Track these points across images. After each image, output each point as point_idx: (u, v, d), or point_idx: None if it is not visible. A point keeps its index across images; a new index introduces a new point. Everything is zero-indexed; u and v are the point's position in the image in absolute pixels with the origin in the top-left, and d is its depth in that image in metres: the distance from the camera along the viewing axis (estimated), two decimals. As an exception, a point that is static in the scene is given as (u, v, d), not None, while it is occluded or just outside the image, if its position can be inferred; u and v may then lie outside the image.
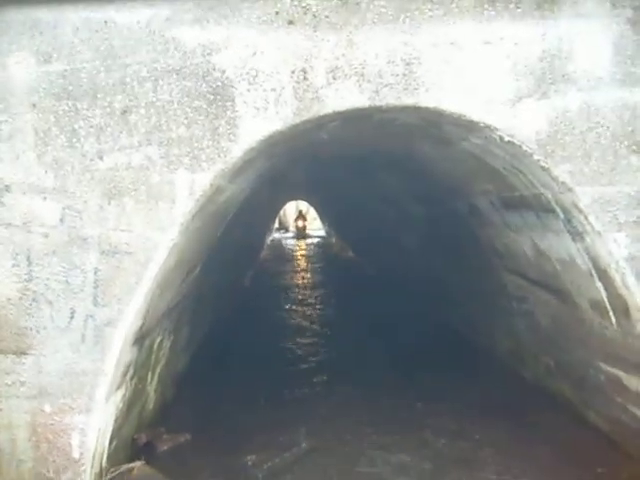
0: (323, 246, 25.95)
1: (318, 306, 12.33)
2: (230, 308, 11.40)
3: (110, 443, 4.52)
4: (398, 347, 8.35)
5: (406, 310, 10.47)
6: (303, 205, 33.08)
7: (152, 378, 5.58)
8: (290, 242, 29.60)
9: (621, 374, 4.87)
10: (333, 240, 25.47)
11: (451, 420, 5.87)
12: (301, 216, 33.00)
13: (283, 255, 22.62)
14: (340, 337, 9.46)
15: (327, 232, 29.27)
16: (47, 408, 4.14)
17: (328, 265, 19.13)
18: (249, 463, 5.10)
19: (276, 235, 32.15)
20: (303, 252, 24.05)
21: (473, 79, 4.16)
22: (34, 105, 4.05)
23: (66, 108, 4.06)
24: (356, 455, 5.24)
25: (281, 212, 32.02)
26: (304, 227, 32.79)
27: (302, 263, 20.26)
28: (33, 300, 4.11)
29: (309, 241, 29.45)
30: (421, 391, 6.56)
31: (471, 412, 6.00)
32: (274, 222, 30.27)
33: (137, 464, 4.77)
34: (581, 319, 5.15)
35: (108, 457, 4.50)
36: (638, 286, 4.27)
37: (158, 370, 5.73)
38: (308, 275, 17.35)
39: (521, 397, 6.31)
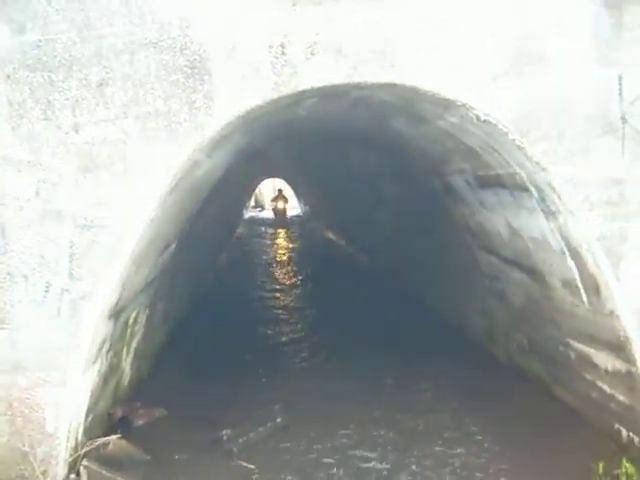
0: (300, 224, 25.22)
1: (293, 282, 12.41)
2: (207, 284, 11.41)
3: (86, 417, 4.54)
4: (372, 325, 8.42)
5: (381, 288, 10.57)
6: (279, 183, 28.78)
7: (128, 353, 5.59)
8: (266, 228, 23.83)
9: (591, 351, 4.97)
10: (309, 219, 24.86)
11: (424, 397, 5.98)
12: (281, 196, 26.54)
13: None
14: (315, 315, 9.53)
15: (303, 211, 28.42)
16: (22, 382, 4.12)
17: (303, 241, 19.13)
18: (224, 437, 5.14)
19: (252, 213, 29.46)
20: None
21: (450, 57, 4.17)
22: (8, 76, 3.98)
23: (41, 80, 4.00)
24: (330, 430, 5.31)
25: (257, 190, 29.55)
26: (284, 210, 26.07)
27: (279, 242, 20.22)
28: (7, 274, 4.07)
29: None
30: (394, 368, 6.64)
31: (443, 389, 6.10)
32: (250, 200, 28.61)
33: (112, 438, 4.80)
34: (552, 297, 5.24)
35: (84, 431, 4.52)
36: (609, 265, 4.35)
37: (134, 345, 5.73)
38: (284, 251, 17.42)
39: (493, 374, 6.41)
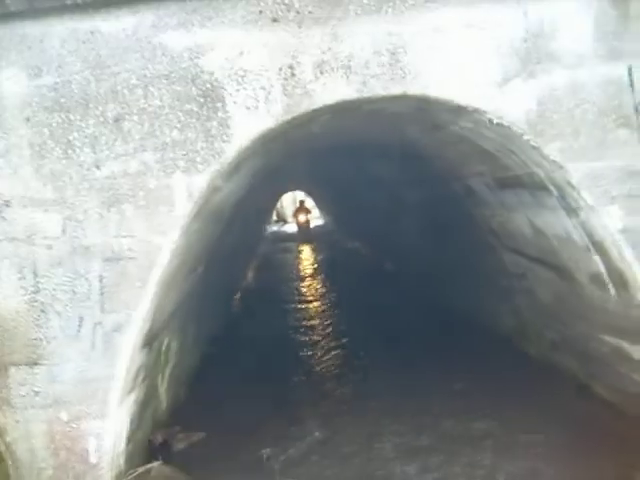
0: (323, 235, 24.38)
1: (320, 294, 12.42)
2: (235, 304, 11.50)
3: (127, 445, 4.60)
4: (402, 330, 8.41)
5: (410, 293, 10.56)
6: (300, 195, 28.19)
7: (163, 379, 5.66)
8: (289, 244, 22.64)
9: (624, 344, 4.93)
10: (333, 230, 24.30)
11: (460, 400, 5.93)
12: (303, 208, 25.16)
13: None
14: (345, 323, 9.57)
15: (325, 221, 28.24)
16: (63, 416, 4.22)
17: (328, 252, 19.12)
18: (264, 456, 5.17)
19: (274, 228, 29.03)
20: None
21: (458, 64, 4.21)
22: (28, 119, 4.11)
23: (59, 120, 4.11)
24: (368, 442, 5.31)
25: (278, 204, 28.97)
26: (307, 222, 24.67)
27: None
28: (41, 311, 4.18)
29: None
30: (428, 372, 6.62)
31: (479, 390, 6.05)
32: (272, 215, 28.26)
33: (155, 464, 4.85)
34: (581, 293, 5.21)
35: (125, 459, 4.58)
36: (635, 257, 4.33)
37: (168, 371, 5.81)
38: (310, 263, 17.45)
39: (527, 373, 6.34)
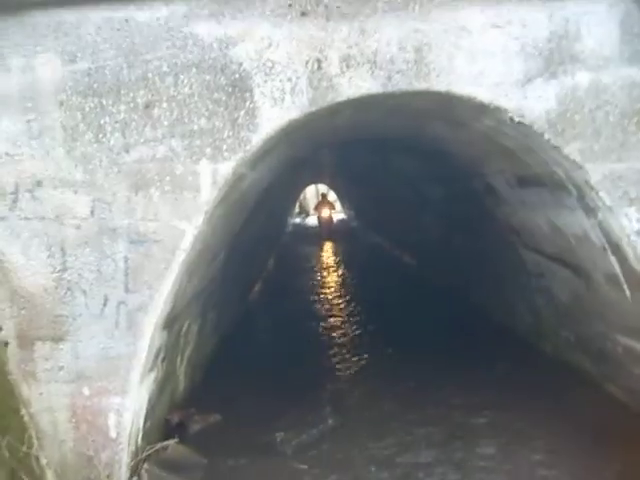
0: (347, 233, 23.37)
1: (339, 283, 12.51)
2: (256, 291, 11.60)
3: (144, 423, 4.74)
4: (419, 323, 8.48)
5: (429, 289, 10.61)
6: (323, 189, 27.57)
7: (182, 361, 5.80)
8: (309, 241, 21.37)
9: (638, 346, 4.97)
10: (357, 226, 23.97)
11: (475, 394, 6.00)
12: (325, 202, 23.19)
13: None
14: (363, 314, 9.65)
15: (347, 215, 28.07)
16: (85, 391, 4.36)
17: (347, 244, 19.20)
18: (278, 440, 5.29)
19: (297, 220, 29.12)
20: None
21: (482, 62, 4.26)
22: (61, 103, 4.23)
23: (92, 105, 4.23)
24: (380, 430, 5.41)
25: (301, 196, 28.54)
26: (330, 219, 22.59)
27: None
28: (68, 289, 4.31)
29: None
30: (443, 367, 6.68)
31: (494, 386, 6.12)
32: (295, 206, 28.02)
33: (171, 442, 4.98)
34: (597, 293, 5.25)
35: (143, 436, 4.72)
36: (651, 260, 4.37)
37: (187, 353, 5.94)
38: (330, 255, 17.53)
39: (542, 371, 6.40)
